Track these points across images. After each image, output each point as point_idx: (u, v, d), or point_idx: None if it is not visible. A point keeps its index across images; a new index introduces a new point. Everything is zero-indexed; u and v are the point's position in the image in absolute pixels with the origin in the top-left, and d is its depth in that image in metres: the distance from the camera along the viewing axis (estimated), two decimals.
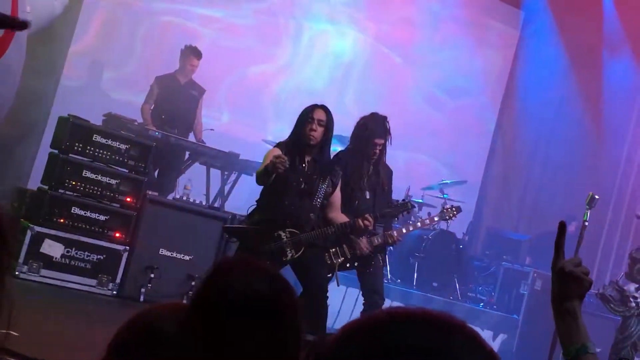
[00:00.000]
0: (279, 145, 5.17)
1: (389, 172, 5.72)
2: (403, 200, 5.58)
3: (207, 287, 1.66)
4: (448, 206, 6.07)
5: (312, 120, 5.01)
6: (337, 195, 5.24)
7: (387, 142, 5.52)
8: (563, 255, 1.78)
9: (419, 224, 5.98)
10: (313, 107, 5.09)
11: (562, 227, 1.80)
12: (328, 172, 5.12)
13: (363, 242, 5.35)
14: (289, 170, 4.98)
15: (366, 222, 5.09)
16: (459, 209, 6.02)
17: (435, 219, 6.05)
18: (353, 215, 5.26)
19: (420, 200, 8.66)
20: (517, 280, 8.59)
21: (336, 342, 1.02)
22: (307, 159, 5.10)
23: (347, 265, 5.39)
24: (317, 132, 5.02)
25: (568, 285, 1.74)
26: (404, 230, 5.65)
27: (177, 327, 1.64)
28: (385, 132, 5.47)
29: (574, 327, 1.71)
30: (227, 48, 9.27)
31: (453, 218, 6.00)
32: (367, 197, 5.52)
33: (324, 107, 5.09)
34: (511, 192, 11.06)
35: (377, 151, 5.49)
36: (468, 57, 10.56)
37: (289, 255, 4.99)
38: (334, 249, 5.29)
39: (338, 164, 5.28)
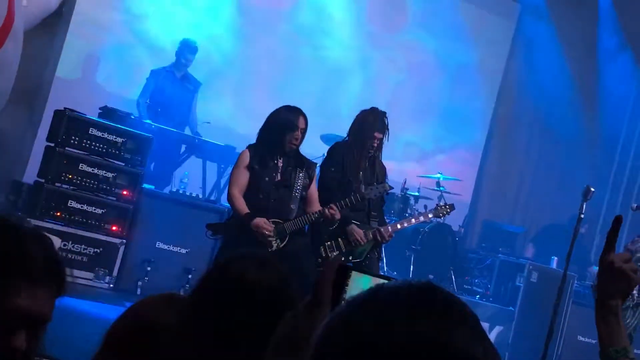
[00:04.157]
0: (249, 147, 5.10)
1: (383, 169, 5.73)
2: (379, 182, 5.51)
3: (215, 278, 1.66)
4: (442, 204, 6.09)
5: (296, 129, 4.96)
6: (314, 189, 5.24)
7: (385, 138, 5.53)
8: (614, 249, 1.71)
9: (413, 220, 5.99)
10: (298, 115, 5.00)
11: (618, 221, 1.73)
12: (302, 164, 5.11)
13: (359, 233, 5.36)
14: (260, 169, 4.99)
15: (331, 211, 5.04)
16: (452, 207, 6.05)
17: (430, 215, 6.06)
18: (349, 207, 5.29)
19: (417, 194, 8.67)
20: (512, 272, 8.59)
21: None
22: (281, 158, 5.08)
23: (342, 258, 5.40)
24: (299, 141, 5.02)
25: (615, 281, 1.68)
26: (399, 226, 5.68)
27: (176, 318, 1.64)
28: (384, 127, 5.48)
29: (617, 329, 1.65)
30: (226, 40, 9.26)
31: (446, 215, 6.00)
32: (363, 190, 5.54)
33: (304, 114, 5.04)
34: (507, 185, 11.08)
35: (375, 145, 5.50)
36: (464, 49, 10.54)
37: (274, 245, 4.99)
38: (329, 242, 5.30)
39: (312, 161, 5.26)
